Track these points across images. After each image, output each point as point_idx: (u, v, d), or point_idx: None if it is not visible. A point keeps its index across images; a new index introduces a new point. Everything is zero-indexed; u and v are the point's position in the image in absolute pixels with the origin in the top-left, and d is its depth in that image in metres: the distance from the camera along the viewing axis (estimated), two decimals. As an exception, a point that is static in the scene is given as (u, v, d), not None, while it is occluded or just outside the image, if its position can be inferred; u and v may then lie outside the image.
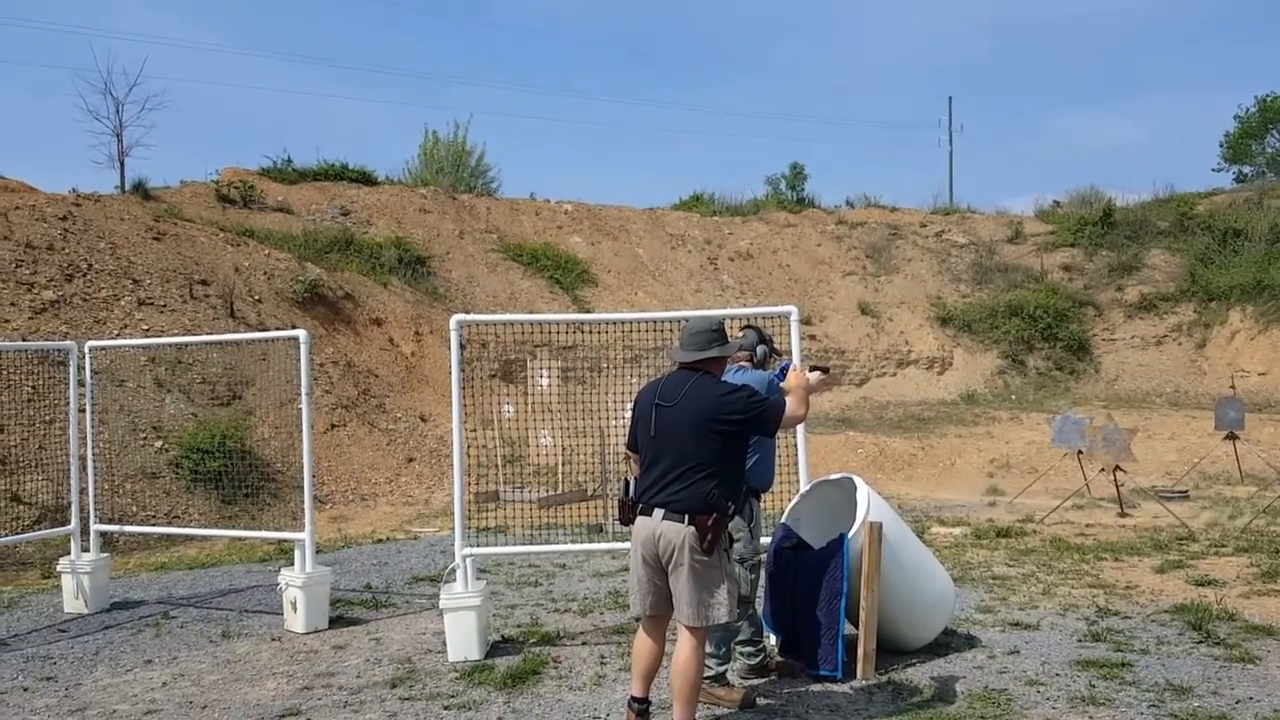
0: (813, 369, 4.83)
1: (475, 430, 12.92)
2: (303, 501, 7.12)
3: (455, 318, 6.30)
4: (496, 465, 14.14)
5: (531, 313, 20.15)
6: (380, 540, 10.90)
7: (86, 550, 7.78)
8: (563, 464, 13.55)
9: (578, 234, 25.71)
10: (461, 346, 6.25)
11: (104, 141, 22.35)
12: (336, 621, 6.94)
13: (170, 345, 13.18)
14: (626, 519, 4.49)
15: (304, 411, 7.05)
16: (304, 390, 7.08)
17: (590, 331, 16.48)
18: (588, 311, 21.21)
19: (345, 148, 29.95)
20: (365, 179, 25.08)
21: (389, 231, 22.46)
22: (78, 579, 7.61)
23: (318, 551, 7.34)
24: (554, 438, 13.22)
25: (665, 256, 26.07)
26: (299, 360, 7.04)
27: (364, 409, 16.10)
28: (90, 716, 5.16)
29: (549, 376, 13.36)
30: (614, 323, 9.86)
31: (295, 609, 6.78)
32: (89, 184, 28.84)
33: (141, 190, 19.63)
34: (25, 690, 5.66)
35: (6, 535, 9.66)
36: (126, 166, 20.82)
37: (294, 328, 15.34)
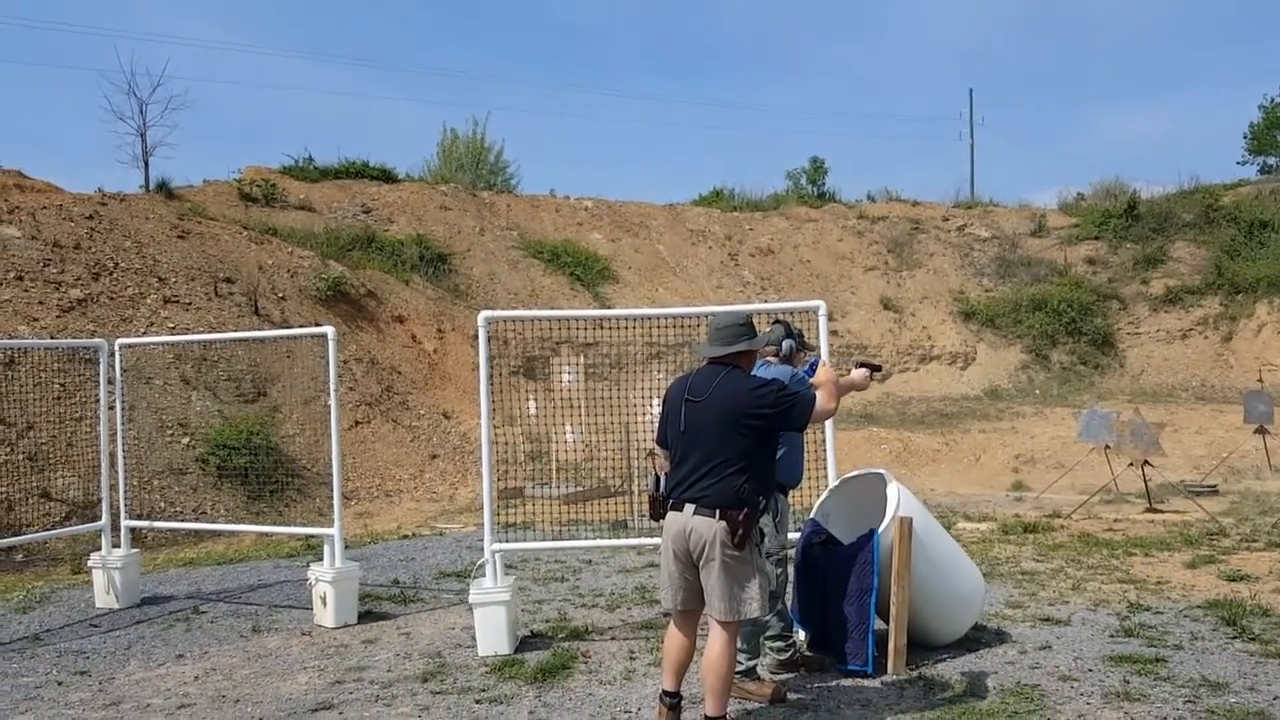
0: (860, 365, 4.80)
1: (500, 427, 12.92)
2: (329, 497, 7.16)
3: (483, 314, 6.31)
4: (520, 462, 14.17)
5: (553, 309, 20.19)
6: (406, 536, 10.96)
7: (117, 546, 7.84)
8: (586, 460, 13.57)
9: (598, 230, 25.74)
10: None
11: (128, 141, 22.45)
12: (366, 616, 6.98)
13: (199, 342, 13.32)
14: (657, 514, 4.49)
15: (332, 408, 7.09)
16: (331, 387, 7.12)
17: (612, 328, 16.51)
18: (608, 308, 21.23)
19: (365, 146, 30.36)
20: (386, 177, 25.19)
21: (410, 229, 22.57)
22: (108, 574, 7.67)
23: (344, 547, 7.37)
24: (577, 434, 13.23)
25: (686, 252, 26.06)
26: (323, 357, 7.08)
27: (387, 406, 16.18)
28: (125, 710, 5.21)
29: (571, 373, 13.36)
30: (639, 318, 9.86)
31: (325, 604, 6.82)
32: (114, 184, 29.04)
33: (165, 189, 19.80)
34: (60, 684, 5.71)
35: (38, 531, 9.80)
36: (150, 166, 21.00)
37: (318, 325, 15.54)
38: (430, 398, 17.26)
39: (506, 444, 13.85)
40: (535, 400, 13.40)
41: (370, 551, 9.78)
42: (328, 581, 6.79)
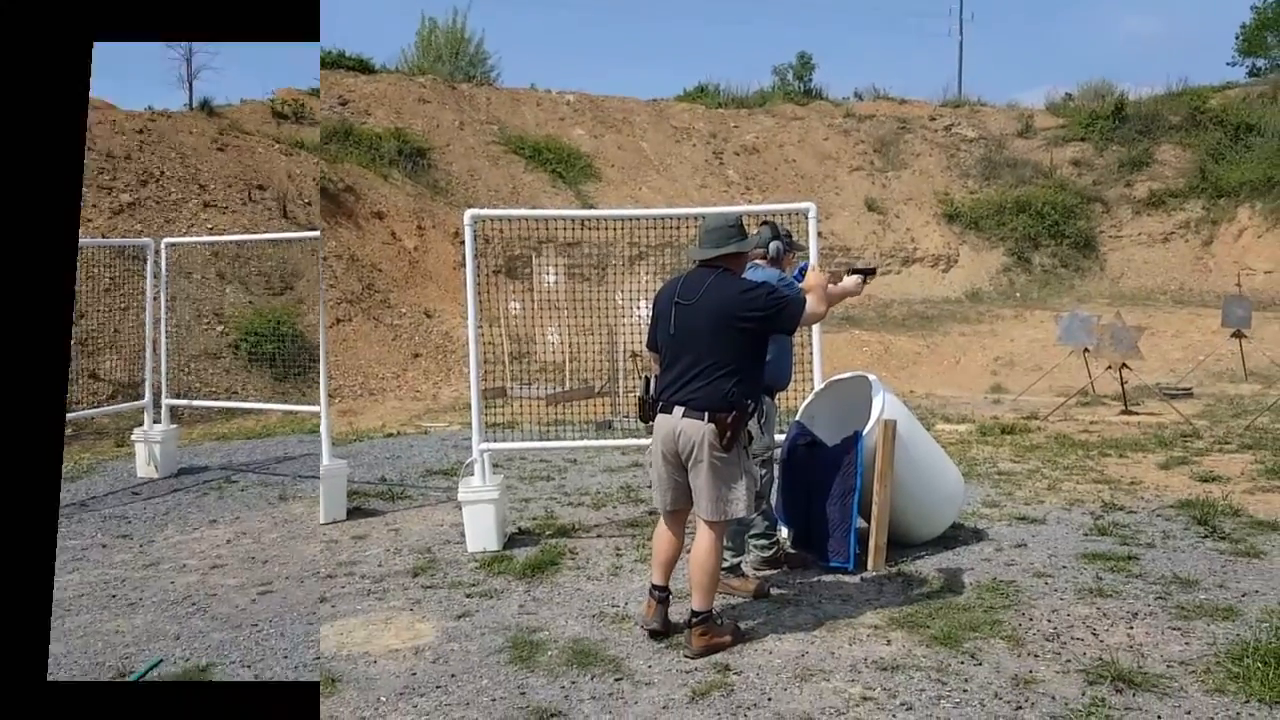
0: (851, 271, 4.79)
1: (482, 327, 12.93)
2: (334, 386, 7.28)
3: (469, 213, 6.23)
4: (504, 362, 14.17)
5: (534, 207, 19.94)
6: (391, 434, 11.03)
7: (158, 422, 8.56)
8: (569, 361, 13.57)
9: (580, 126, 25.27)
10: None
11: (175, 65, 22.72)
12: (355, 513, 7.06)
13: (233, 242, 15.05)
14: (646, 417, 4.51)
15: (320, 309, 7.10)
16: (319, 288, 7.08)
17: (595, 228, 16.35)
18: (591, 206, 20.99)
19: (341, 35, 29.36)
20: (363, 67, 24.52)
21: (388, 122, 22.13)
22: (149, 447, 8.41)
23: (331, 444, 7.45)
24: (560, 335, 13.21)
25: (670, 150, 25.67)
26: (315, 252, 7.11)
27: (369, 304, 16.15)
28: (163, 570, 5.71)
29: (555, 273, 13.26)
30: (628, 219, 9.81)
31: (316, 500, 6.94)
32: (161, 102, 29.48)
33: (207, 108, 20.71)
34: (104, 546, 6.21)
35: (86, 409, 10.72)
36: (194, 88, 21.83)
37: (312, 226, 16.52)
38: (411, 296, 17.17)
39: (490, 344, 13.85)
40: (519, 300, 13.34)
41: (356, 449, 9.85)
42: (316, 478, 6.89)
